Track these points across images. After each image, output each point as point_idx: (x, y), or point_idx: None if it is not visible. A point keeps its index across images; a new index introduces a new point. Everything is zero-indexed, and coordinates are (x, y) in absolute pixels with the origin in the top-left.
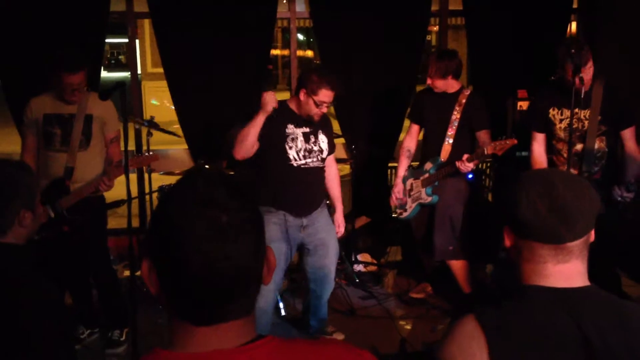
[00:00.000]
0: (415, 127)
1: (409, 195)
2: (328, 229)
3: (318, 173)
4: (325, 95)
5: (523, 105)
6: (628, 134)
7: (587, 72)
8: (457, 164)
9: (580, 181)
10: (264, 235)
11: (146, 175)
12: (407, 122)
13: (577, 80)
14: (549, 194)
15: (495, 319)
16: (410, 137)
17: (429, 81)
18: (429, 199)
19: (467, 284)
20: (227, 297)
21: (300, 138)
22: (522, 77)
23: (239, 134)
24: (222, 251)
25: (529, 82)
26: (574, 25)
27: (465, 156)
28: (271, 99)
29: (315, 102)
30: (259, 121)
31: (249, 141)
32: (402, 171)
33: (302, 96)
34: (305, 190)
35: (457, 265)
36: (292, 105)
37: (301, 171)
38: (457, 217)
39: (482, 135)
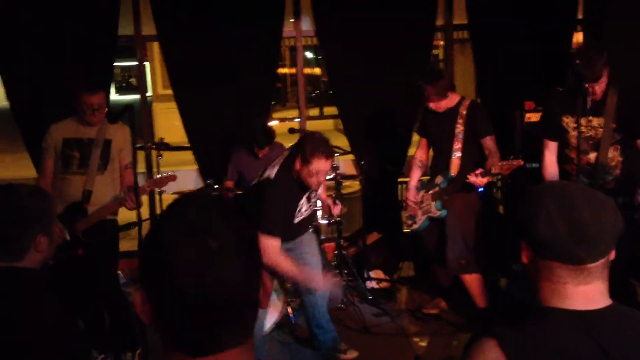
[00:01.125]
0: (424, 140)
1: (420, 208)
2: (309, 238)
3: (313, 213)
4: (318, 164)
5: (531, 117)
6: None
7: (600, 82)
8: (471, 178)
9: (603, 200)
10: (258, 258)
11: (157, 197)
12: (416, 136)
13: (583, 90)
14: (570, 214)
15: (518, 344)
16: (421, 150)
17: (432, 106)
18: (438, 213)
19: (481, 298)
20: (222, 324)
21: (305, 206)
22: (529, 89)
23: (279, 262)
24: (214, 277)
25: (536, 93)
26: (580, 36)
27: (479, 170)
28: (330, 286)
29: (309, 172)
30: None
31: (279, 273)
32: (413, 181)
33: (297, 164)
34: (297, 231)
35: (471, 279)
36: (295, 174)
37: (298, 224)
38: (469, 230)
39: (487, 142)
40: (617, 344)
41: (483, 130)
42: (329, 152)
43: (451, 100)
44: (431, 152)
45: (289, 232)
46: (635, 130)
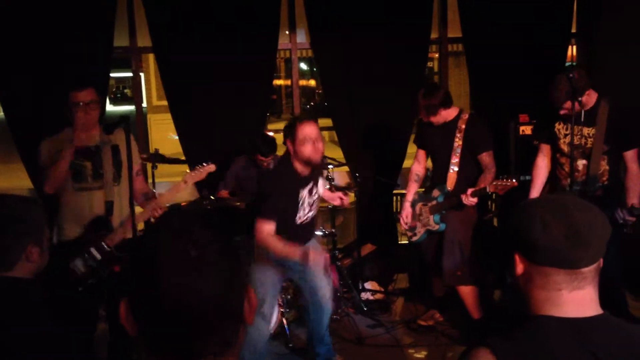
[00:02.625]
0: (422, 152)
1: (419, 220)
2: (316, 251)
3: (314, 219)
4: (304, 130)
5: (525, 129)
6: (630, 156)
7: (586, 98)
8: (462, 197)
9: (592, 207)
10: (241, 270)
11: None
12: (412, 148)
13: (570, 104)
14: (564, 219)
15: (511, 352)
16: (418, 162)
17: (427, 120)
18: (437, 226)
19: (476, 309)
20: (200, 334)
21: (307, 199)
22: (523, 102)
23: (270, 242)
24: (192, 285)
25: (530, 106)
26: (574, 49)
27: (470, 191)
28: (310, 259)
29: (301, 142)
30: (293, 257)
31: (274, 251)
32: (410, 195)
33: (290, 147)
34: (302, 237)
35: (466, 291)
36: (295, 164)
37: (302, 225)
38: (465, 241)
39: (484, 158)
40: (609, 352)
41: (480, 146)
42: (309, 117)
43: (448, 114)
44: (429, 163)
45: (291, 232)
46: (622, 142)
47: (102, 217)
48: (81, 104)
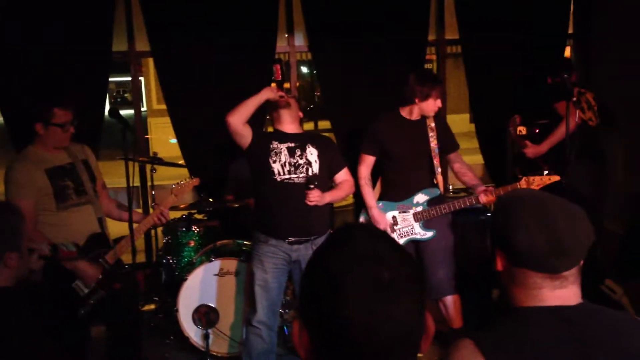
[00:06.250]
0: (372, 159)
1: (393, 230)
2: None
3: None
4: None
5: (522, 130)
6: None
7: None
8: (483, 198)
9: (576, 210)
10: (426, 295)
11: (151, 210)
12: None
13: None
14: (547, 226)
15: (493, 340)
16: (367, 167)
17: (430, 110)
18: (426, 234)
19: (460, 317)
20: None
21: (285, 152)
22: (521, 102)
23: (240, 103)
24: (386, 311)
25: (528, 107)
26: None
27: (490, 188)
28: (271, 93)
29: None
30: (260, 98)
31: (246, 111)
32: (373, 200)
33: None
34: (290, 207)
35: (456, 298)
36: (276, 125)
37: (285, 186)
38: (453, 248)
39: (456, 157)
40: (591, 334)
41: (453, 145)
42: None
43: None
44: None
45: (271, 188)
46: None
47: (99, 233)
48: (64, 123)
